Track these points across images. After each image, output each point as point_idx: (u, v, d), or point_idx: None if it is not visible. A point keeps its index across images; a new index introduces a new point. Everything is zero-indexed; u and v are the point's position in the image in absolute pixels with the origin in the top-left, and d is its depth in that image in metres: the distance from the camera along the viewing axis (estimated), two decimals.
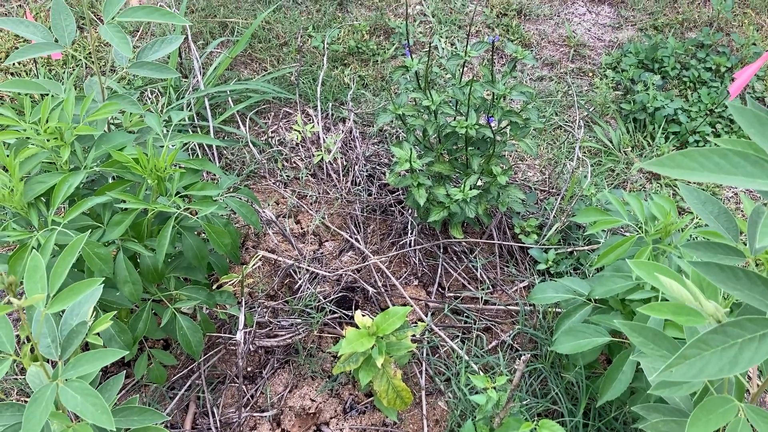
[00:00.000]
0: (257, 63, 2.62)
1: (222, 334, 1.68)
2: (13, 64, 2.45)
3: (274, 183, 2.17)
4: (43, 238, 1.23)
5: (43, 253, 1.19)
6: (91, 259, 1.28)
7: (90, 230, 1.31)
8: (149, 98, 2.29)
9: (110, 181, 1.44)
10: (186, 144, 2.07)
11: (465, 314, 1.79)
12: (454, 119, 1.74)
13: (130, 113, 1.53)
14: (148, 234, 1.44)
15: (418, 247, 1.86)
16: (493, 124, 1.75)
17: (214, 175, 1.96)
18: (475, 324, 1.76)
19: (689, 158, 0.81)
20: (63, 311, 1.04)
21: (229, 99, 2.32)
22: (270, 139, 2.29)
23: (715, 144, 0.81)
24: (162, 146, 1.40)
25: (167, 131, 1.43)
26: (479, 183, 1.82)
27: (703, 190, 2.34)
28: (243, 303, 1.58)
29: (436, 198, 1.77)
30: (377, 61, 2.65)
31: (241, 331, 1.41)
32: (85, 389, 0.92)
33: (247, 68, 2.61)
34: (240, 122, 2.28)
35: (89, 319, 1.03)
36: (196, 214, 1.39)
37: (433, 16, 2.90)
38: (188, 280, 1.56)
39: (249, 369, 1.68)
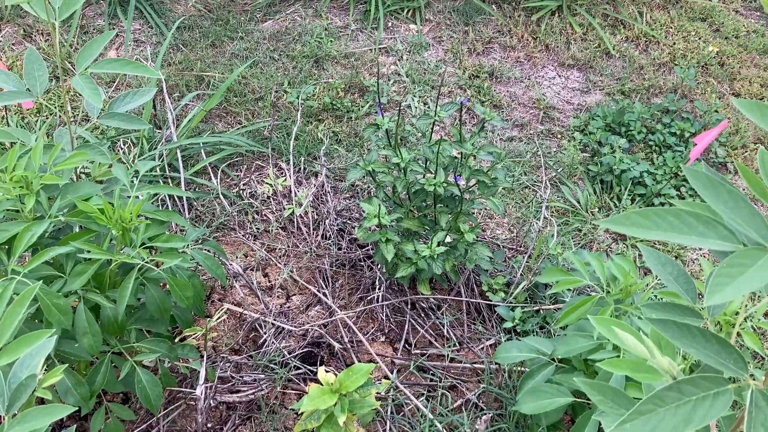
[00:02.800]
0: (232, 116, 2.65)
1: (183, 389, 1.65)
2: None
3: (243, 235, 2.16)
4: (0, 288, 1.20)
5: None
6: (49, 310, 1.26)
7: (50, 280, 1.30)
8: (122, 148, 2.29)
9: (76, 230, 1.43)
10: (156, 195, 2.07)
11: (431, 372, 1.78)
12: (424, 177, 1.77)
13: (99, 163, 1.53)
14: (111, 285, 1.43)
15: (386, 302, 1.86)
16: (460, 183, 1.77)
17: (183, 227, 1.95)
18: (440, 382, 1.75)
19: (644, 217, 0.83)
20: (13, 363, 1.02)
21: (202, 151, 2.33)
22: (241, 192, 2.30)
23: (671, 204, 0.83)
24: (129, 197, 1.40)
25: (135, 182, 1.43)
26: (447, 240, 1.84)
27: (668, 251, 2.38)
28: (205, 357, 1.56)
29: (405, 254, 1.78)
30: (351, 117, 2.70)
31: (202, 385, 1.39)
32: None
33: (222, 121, 2.63)
34: (212, 174, 2.29)
35: (39, 371, 1.01)
36: (161, 265, 1.38)
37: (407, 76, 2.97)
38: (151, 333, 1.53)
39: (209, 425, 1.64)
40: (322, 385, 1.43)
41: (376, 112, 1.85)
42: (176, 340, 1.66)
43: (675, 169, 2.59)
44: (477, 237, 1.84)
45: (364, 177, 2.18)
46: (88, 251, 1.29)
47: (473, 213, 1.89)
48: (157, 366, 1.56)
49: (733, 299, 0.88)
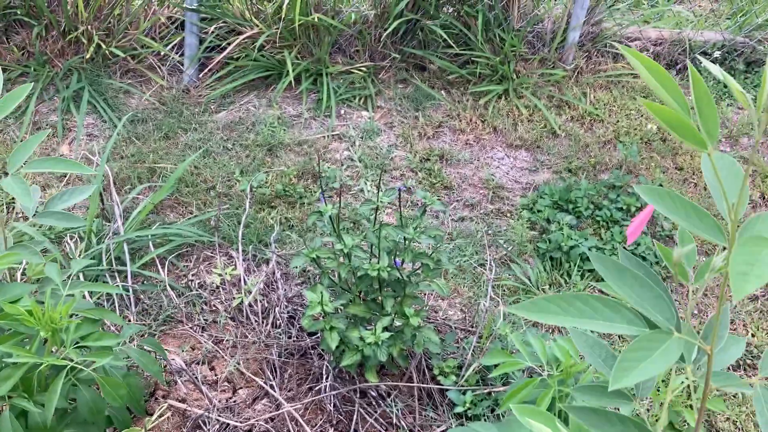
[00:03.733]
0: (183, 206, 2.66)
1: None
2: None
3: (191, 328, 2.13)
4: None
5: None
6: None
7: None
8: (68, 243, 2.27)
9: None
10: (98, 294, 2.04)
11: None
12: (369, 262, 1.77)
13: (34, 263, 1.51)
14: (42, 388, 1.38)
15: (334, 392, 1.83)
16: (401, 266, 1.78)
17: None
18: None
19: (553, 303, 0.85)
20: None
21: (150, 243, 2.32)
22: (190, 283, 2.28)
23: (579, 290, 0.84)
24: (65, 295, 1.38)
25: (68, 281, 1.41)
26: (397, 324, 1.83)
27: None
28: None
29: (351, 341, 1.76)
30: (304, 203, 2.72)
31: None
32: None
33: (174, 212, 2.64)
34: (160, 266, 2.27)
35: None
36: (92, 365, 1.35)
37: (360, 161, 3.02)
38: None
39: None
40: None
41: (319, 200, 1.87)
42: None
43: (623, 244, 2.64)
44: (424, 320, 1.83)
45: (309, 264, 2.18)
46: (16, 354, 1.26)
47: (421, 296, 1.90)
48: None
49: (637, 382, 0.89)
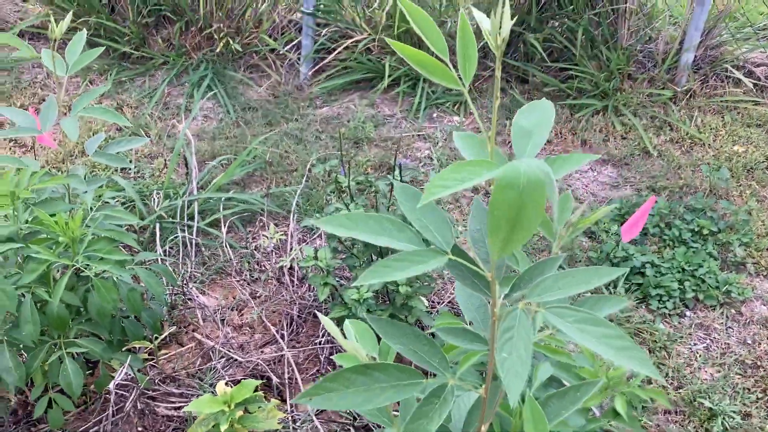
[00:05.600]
0: (265, 182, 2.97)
1: (123, 392, 1.87)
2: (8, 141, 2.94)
3: (237, 281, 2.41)
4: None
5: None
6: None
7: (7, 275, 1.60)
8: (154, 199, 2.65)
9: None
10: (175, 237, 2.38)
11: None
12: None
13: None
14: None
15: (327, 345, 2.00)
16: None
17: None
18: (355, 421, 1.83)
19: (350, 219, 0.97)
20: None
21: (221, 206, 2.64)
22: (248, 244, 2.56)
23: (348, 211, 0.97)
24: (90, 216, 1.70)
25: (95, 205, 1.73)
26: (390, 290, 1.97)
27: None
28: (129, 360, 1.76)
29: (343, 299, 1.93)
30: (372, 190, 2.92)
31: (117, 379, 1.60)
32: None
33: (257, 186, 2.95)
34: (224, 226, 2.58)
35: None
36: (96, 271, 1.64)
37: (437, 160, 3.17)
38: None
39: (140, 429, 1.84)
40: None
41: (341, 171, 2.07)
42: (125, 350, 1.89)
43: (684, 264, 2.53)
44: (414, 292, 1.94)
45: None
46: (38, 252, 1.59)
47: (432, 276, 2.01)
48: (99, 366, 1.79)
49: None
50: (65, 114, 1.74)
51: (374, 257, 2.04)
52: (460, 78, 0.85)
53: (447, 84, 0.85)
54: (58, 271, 1.69)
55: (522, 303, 0.92)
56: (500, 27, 0.80)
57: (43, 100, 3.32)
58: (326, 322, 0.98)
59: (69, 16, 1.83)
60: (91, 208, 1.75)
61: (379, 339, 1.04)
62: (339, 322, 2.03)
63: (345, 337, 1.04)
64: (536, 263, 1.03)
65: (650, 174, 3.12)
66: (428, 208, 0.97)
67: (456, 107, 3.53)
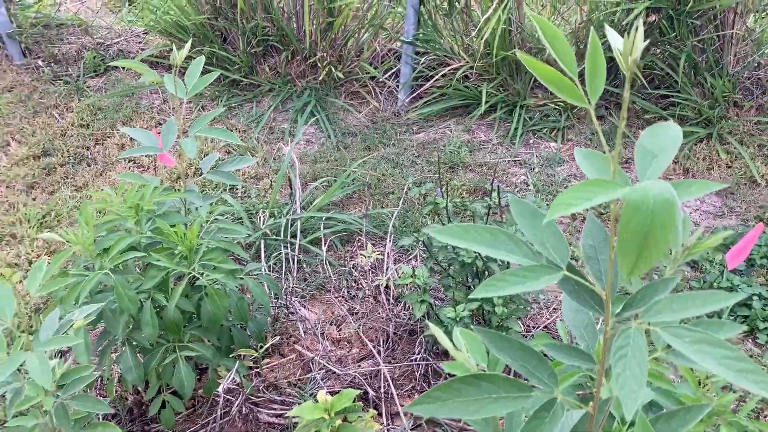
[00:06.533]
0: (363, 204, 3.05)
1: (229, 397, 1.96)
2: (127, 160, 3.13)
3: (336, 297, 2.48)
4: (93, 275, 1.65)
5: (85, 285, 1.61)
6: (122, 298, 1.67)
7: (130, 280, 1.72)
8: (260, 218, 2.78)
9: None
10: (279, 254, 2.49)
11: (444, 428, 1.89)
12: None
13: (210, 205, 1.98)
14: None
15: (423, 362, 2.03)
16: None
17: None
18: None
19: (464, 230, 1.01)
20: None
21: (322, 225, 2.74)
22: (345, 262, 2.64)
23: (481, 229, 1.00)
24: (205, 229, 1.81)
25: (211, 218, 1.85)
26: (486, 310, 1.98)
27: None
28: (236, 366, 1.85)
29: (439, 317, 1.96)
30: (467, 214, 2.94)
31: (227, 382, 1.69)
32: (40, 355, 1.27)
33: (355, 207, 3.04)
34: (324, 245, 2.67)
35: (76, 321, 1.40)
36: (209, 280, 1.75)
37: (533, 186, 3.16)
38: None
39: None
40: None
41: (436, 194, 2.11)
42: (232, 357, 1.98)
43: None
44: (510, 314, 1.95)
45: (416, 243, 2.40)
46: (158, 260, 1.71)
47: (521, 296, 2.01)
48: (208, 371, 1.89)
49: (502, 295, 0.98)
50: (184, 134, 1.87)
51: (470, 278, 2.06)
52: (587, 95, 0.88)
53: (572, 100, 0.87)
54: (173, 279, 1.81)
55: (636, 322, 0.93)
56: (632, 48, 0.82)
57: (159, 123, 3.56)
58: (436, 330, 1.01)
59: (188, 44, 1.97)
60: (203, 223, 1.86)
61: (488, 352, 1.06)
62: (434, 340, 2.07)
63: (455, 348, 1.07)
64: (650, 284, 1.02)
65: (757, 203, 3.00)
66: (545, 225, 0.99)
67: (553, 133, 3.52)
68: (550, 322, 2.33)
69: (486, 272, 2.00)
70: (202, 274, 1.72)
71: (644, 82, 3.48)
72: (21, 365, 1.29)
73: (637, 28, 0.83)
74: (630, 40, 0.81)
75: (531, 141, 3.50)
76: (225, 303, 1.72)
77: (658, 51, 3.51)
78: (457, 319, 1.85)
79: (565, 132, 3.51)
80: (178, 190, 1.98)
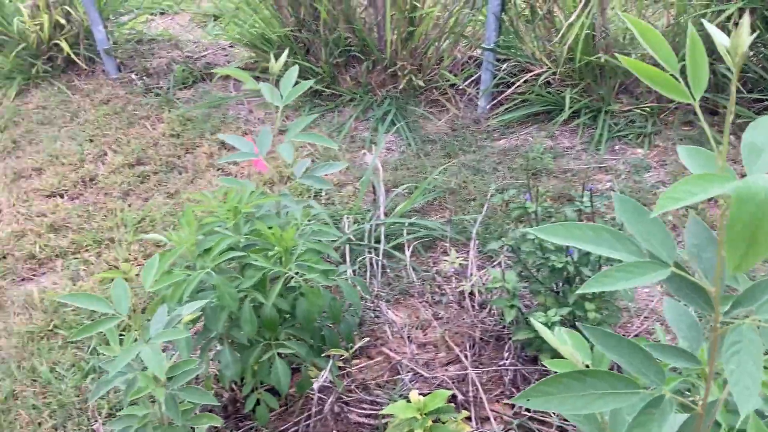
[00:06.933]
0: (445, 210, 3.07)
1: (321, 395, 2.00)
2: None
3: (420, 302, 2.50)
4: (195, 274, 1.73)
5: (189, 283, 1.69)
6: (223, 296, 1.74)
7: (231, 279, 1.80)
8: (345, 222, 2.84)
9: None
10: (363, 258, 2.54)
11: None
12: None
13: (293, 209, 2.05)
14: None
15: (511, 368, 2.02)
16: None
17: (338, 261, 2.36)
18: None
19: (564, 227, 1.01)
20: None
21: (405, 231, 2.77)
22: (429, 267, 2.66)
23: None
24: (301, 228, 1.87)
25: (306, 222, 1.91)
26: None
27: None
28: (331, 364, 1.90)
29: (529, 322, 1.95)
30: (552, 220, 2.92)
31: (321, 380, 1.73)
32: (154, 347, 1.34)
33: (436, 214, 3.06)
34: (407, 250, 2.70)
35: (185, 316, 1.47)
36: (305, 279, 1.80)
37: (621, 193, 3.10)
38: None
39: None
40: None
41: (526, 198, 2.11)
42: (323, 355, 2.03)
43: None
44: (603, 320, 1.92)
45: (503, 248, 2.39)
46: (256, 260, 1.77)
47: (613, 302, 1.98)
48: (301, 369, 1.94)
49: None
50: (279, 141, 1.94)
51: (560, 284, 2.04)
52: (689, 90, 0.87)
53: (676, 97, 0.87)
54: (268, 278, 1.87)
55: (749, 319, 0.91)
56: (739, 43, 0.81)
57: (245, 132, 3.69)
58: (540, 327, 1.02)
59: (284, 54, 2.05)
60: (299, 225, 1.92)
61: (591, 349, 1.06)
62: (523, 344, 2.06)
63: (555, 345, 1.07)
64: (759, 281, 1.00)
65: None
66: (649, 220, 0.99)
67: (639, 139, 3.45)
68: (641, 331, 2.28)
69: (577, 277, 1.98)
70: (298, 273, 1.77)
71: (739, 85, 3.36)
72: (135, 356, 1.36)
73: (741, 24, 0.82)
74: (738, 34, 0.81)
75: (616, 147, 3.44)
76: (320, 302, 1.77)
77: (752, 53, 3.39)
78: (549, 324, 1.84)
79: (651, 138, 3.43)
80: (270, 194, 2.05)
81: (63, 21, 4.23)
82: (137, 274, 1.69)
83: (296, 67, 2.01)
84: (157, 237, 1.80)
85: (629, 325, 2.33)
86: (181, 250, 1.61)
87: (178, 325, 1.44)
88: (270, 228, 1.83)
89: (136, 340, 1.39)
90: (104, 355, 2.29)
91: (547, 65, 3.57)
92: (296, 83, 1.96)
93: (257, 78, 3.95)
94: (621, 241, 0.97)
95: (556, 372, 0.95)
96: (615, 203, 1.03)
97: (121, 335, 2.02)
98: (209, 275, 1.74)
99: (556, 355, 2.00)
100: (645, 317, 2.38)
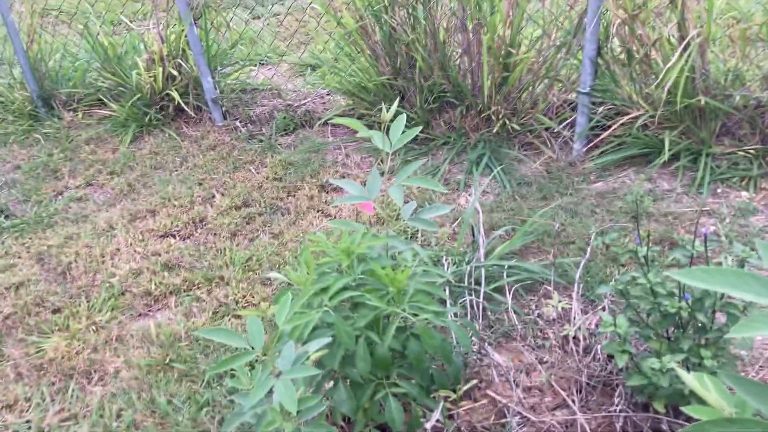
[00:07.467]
0: (543, 253, 3.07)
1: None
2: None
3: (522, 345, 2.50)
4: (315, 312, 1.81)
5: (310, 321, 1.77)
6: (340, 333, 1.81)
7: (347, 317, 1.87)
8: (443, 264, 2.88)
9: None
10: (463, 300, 2.58)
11: None
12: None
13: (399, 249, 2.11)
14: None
15: (622, 414, 1.99)
16: (719, 317, 1.88)
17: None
18: None
19: (707, 273, 1.03)
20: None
21: (505, 273, 2.79)
22: (531, 311, 2.66)
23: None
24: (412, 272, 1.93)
25: (416, 261, 1.96)
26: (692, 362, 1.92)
27: None
28: (441, 407, 1.92)
29: (641, 368, 1.92)
30: (656, 266, 2.87)
31: (432, 421, 1.76)
32: (287, 383, 1.41)
33: (534, 256, 3.07)
34: (508, 292, 2.71)
35: (312, 353, 1.55)
36: (419, 319, 1.85)
37: (725, 237, 3.02)
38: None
39: None
40: None
41: (636, 242, 2.10)
42: (431, 396, 2.06)
43: None
44: (719, 368, 1.87)
45: (614, 294, 2.37)
46: (370, 299, 1.84)
47: (726, 348, 1.92)
48: (411, 409, 1.98)
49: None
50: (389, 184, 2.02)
51: (671, 330, 2.01)
52: None
53: None
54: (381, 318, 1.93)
55: None
56: None
57: (343, 176, 3.81)
58: (684, 375, 1.03)
59: (396, 102, 2.14)
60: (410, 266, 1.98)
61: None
62: (633, 391, 2.03)
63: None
64: None
65: None
66: None
67: (743, 182, 3.36)
68: (758, 380, 2.20)
69: (690, 323, 1.95)
70: (413, 314, 1.82)
71: None
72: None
73: None
74: None
75: (719, 190, 3.36)
76: (433, 343, 1.82)
77: None
78: (664, 370, 1.82)
79: (757, 180, 3.33)
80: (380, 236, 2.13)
81: (175, 72, 4.53)
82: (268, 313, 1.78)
83: (404, 116, 2.09)
84: (278, 276, 1.90)
85: (743, 374, 2.25)
86: (310, 293, 1.69)
87: (307, 362, 1.51)
88: (383, 269, 1.90)
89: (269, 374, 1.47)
90: (221, 387, 2.40)
91: (644, 108, 3.55)
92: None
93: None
94: (766, 287, 0.98)
95: (699, 420, 0.96)
96: (759, 249, 1.04)
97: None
98: (327, 314, 1.82)
99: (670, 402, 1.96)
100: (760, 366, 2.30)
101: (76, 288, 3.15)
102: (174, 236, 3.50)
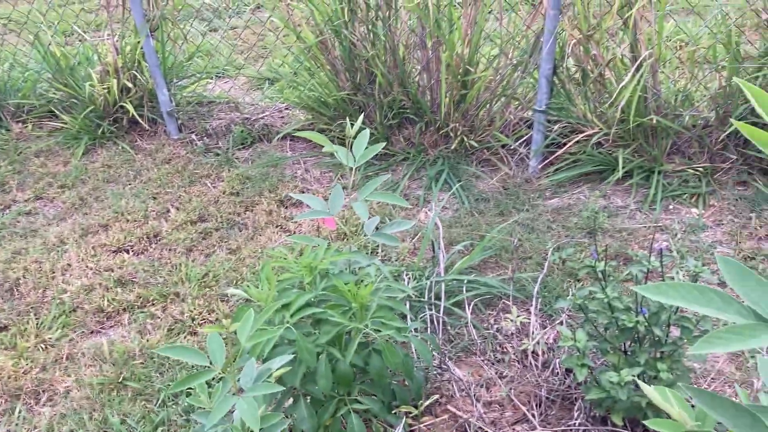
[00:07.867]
0: (501, 268, 3.10)
1: None
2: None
3: (482, 360, 2.51)
4: (276, 329, 1.79)
5: (271, 338, 1.74)
6: (302, 350, 1.79)
7: (308, 334, 1.85)
8: (405, 279, 2.89)
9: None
10: (423, 315, 2.58)
11: None
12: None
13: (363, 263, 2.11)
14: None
15: (581, 428, 2.01)
16: (673, 331, 1.92)
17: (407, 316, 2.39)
18: None
19: (672, 289, 1.05)
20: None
21: (464, 288, 2.80)
22: (489, 325, 2.68)
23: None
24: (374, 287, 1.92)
25: (379, 276, 1.96)
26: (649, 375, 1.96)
27: None
28: (404, 422, 1.92)
29: (600, 381, 1.95)
30: (611, 279, 2.92)
31: None
32: (249, 401, 1.39)
33: (492, 271, 3.09)
34: (467, 307, 2.73)
35: (274, 371, 1.52)
36: (380, 335, 1.84)
37: (677, 252, 3.10)
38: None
39: None
40: None
41: (593, 258, 2.13)
42: (393, 412, 2.05)
43: None
44: (675, 381, 1.91)
45: (572, 309, 2.41)
46: (332, 316, 1.82)
47: (682, 362, 1.97)
48: (373, 427, 1.97)
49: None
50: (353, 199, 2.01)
51: (628, 343, 2.05)
52: None
53: None
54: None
55: None
56: None
57: (302, 191, 3.79)
58: (647, 389, 1.04)
59: (360, 118, 2.14)
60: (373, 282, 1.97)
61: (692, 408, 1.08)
62: (593, 404, 2.06)
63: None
64: None
65: None
66: (757, 284, 1.02)
67: (693, 199, 3.46)
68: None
69: (647, 337, 1.99)
70: (376, 330, 1.81)
71: None
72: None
73: None
74: None
75: (671, 207, 3.45)
76: (396, 359, 1.81)
77: None
78: (622, 383, 1.85)
79: (706, 197, 3.44)
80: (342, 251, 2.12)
81: (130, 84, 4.44)
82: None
83: (367, 131, 2.10)
84: (238, 292, 1.87)
85: (696, 386, 2.31)
86: (272, 309, 1.67)
87: (269, 379, 1.49)
88: (346, 284, 1.89)
89: (229, 391, 1.44)
90: (176, 406, 2.34)
91: (598, 126, 3.63)
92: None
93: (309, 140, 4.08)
94: (728, 302, 1.01)
95: None
96: (720, 265, 1.06)
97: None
98: (289, 330, 1.79)
99: (628, 415, 1.98)
100: (712, 378, 2.35)
101: (24, 305, 3.04)
102: (127, 251, 3.42)
